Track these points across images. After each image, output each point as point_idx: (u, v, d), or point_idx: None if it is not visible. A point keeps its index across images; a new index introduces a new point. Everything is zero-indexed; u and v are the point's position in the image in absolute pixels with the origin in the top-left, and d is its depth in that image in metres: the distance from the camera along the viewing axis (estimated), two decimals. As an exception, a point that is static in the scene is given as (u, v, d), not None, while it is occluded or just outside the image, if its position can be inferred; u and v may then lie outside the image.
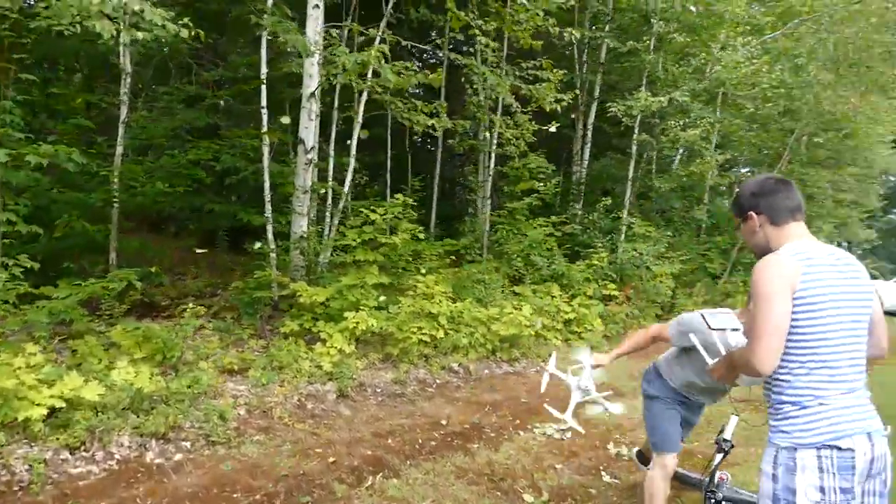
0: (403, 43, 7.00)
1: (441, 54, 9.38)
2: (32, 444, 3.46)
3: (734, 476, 3.45)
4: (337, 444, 4.24)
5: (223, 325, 6.02)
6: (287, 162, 8.06)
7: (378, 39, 6.70)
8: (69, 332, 4.99)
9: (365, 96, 7.30)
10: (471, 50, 8.31)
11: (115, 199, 6.43)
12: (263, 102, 6.67)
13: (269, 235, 6.73)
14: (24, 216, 4.87)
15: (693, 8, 9.49)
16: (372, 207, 6.92)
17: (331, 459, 3.94)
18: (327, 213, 7.65)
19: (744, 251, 12.05)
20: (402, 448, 4.27)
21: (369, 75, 6.88)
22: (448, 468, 3.94)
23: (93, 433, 3.62)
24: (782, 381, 1.75)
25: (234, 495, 3.37)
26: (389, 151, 9.88)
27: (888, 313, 3.68)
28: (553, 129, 8.49)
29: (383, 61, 5.64)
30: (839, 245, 19.56)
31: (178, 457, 3.78)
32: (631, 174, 10.98)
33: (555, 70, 7.85)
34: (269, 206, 6.79)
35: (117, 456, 3.63)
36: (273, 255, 6.66)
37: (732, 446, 3.00)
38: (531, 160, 9.73)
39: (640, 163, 11.69)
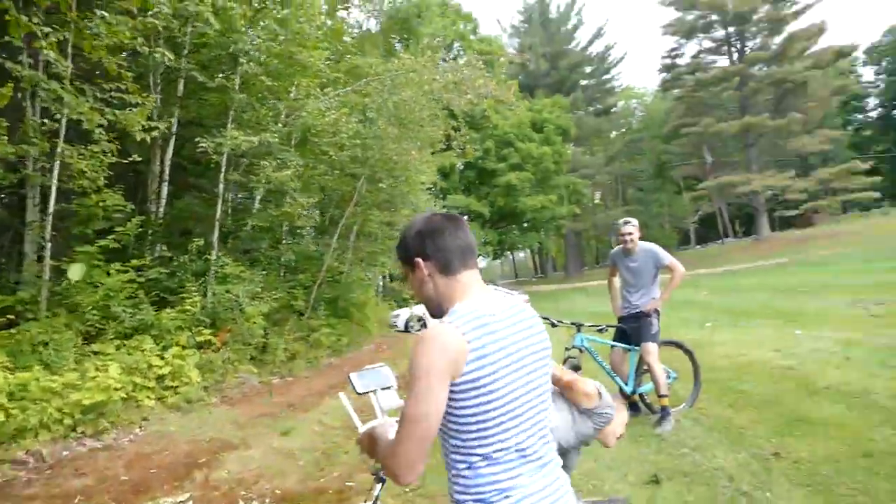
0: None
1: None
2: None
3: None
4: None
5: None
6: None
7: None
8: None
9: None
10: (31, 61, 6.76)
11: None
12: None
13: None
14: None
15: (275, 45, 10.15)
16: None
17: None
18: None
19: (324, 287, 13.23)
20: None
21: None
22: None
23: None
24: (462, 477, 1.44)
25: None
26: None
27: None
28: (138, 158, 7.65)
29: None
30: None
31: None
32: (219, 213, 10.76)
33: (145, 95, 7.15)
34: None
35: None
36: None
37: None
38: (106, 196, 8.48)
39: (226, 202, 11.57)
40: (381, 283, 22.91)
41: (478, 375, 1.38)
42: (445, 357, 1.36)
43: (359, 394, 1.96)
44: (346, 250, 14.41)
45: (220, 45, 10.53)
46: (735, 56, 43.32)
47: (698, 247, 48.31)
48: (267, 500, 3.89)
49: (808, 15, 41.29)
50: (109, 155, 7.89)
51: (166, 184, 11.05)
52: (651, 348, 5.06)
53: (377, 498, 2.91)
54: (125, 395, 6.51)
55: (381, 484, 3.02)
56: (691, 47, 46.44)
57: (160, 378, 7.47)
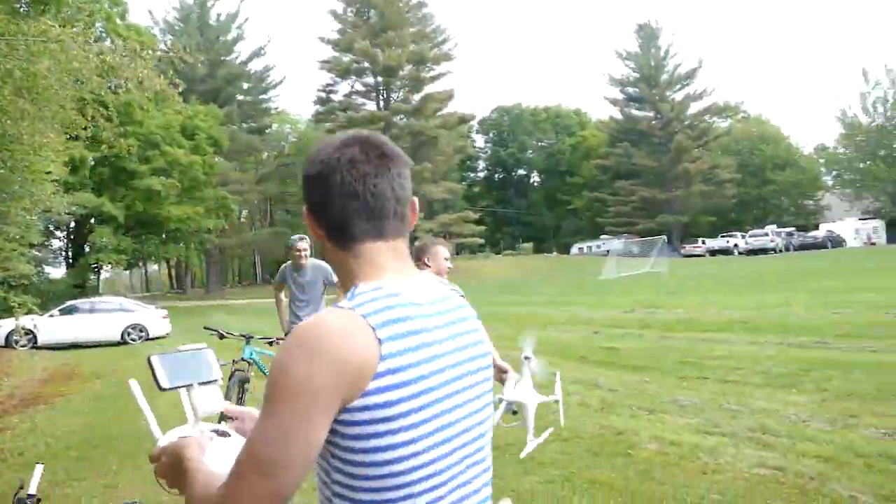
0: None
1: None
2: None
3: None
4: None
5: None
6: None
7: None
8: None
9: None
10: None
11: None
12: None
13: None
14: None
15: None
16: None
17: None
18: None
19: None
20: None
21: None
22: None
23: None
24: None
25: None
26: None
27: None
28: None
29: None
30: None
31: None
32: None
33: None
34: None
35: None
36: None
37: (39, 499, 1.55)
38: None
39: None
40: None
41: (389, 399, 0.83)
42: (335, 366, 0.80)
43: (162, 389, 1.12)
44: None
45: None
46: (382, 104, 49.12)
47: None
48: None
49: (441, 81, 49.23)
50: None
51: None
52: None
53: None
54: None
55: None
56: (345, 86, 50.82)
57: None
